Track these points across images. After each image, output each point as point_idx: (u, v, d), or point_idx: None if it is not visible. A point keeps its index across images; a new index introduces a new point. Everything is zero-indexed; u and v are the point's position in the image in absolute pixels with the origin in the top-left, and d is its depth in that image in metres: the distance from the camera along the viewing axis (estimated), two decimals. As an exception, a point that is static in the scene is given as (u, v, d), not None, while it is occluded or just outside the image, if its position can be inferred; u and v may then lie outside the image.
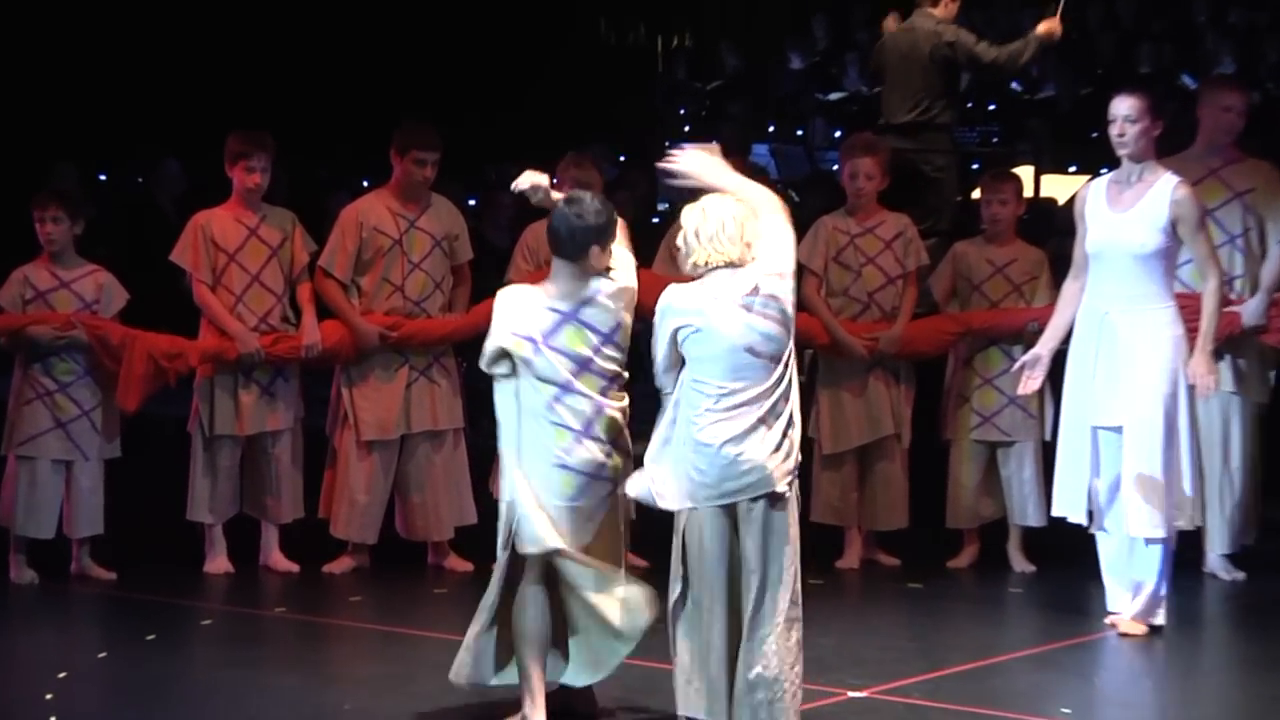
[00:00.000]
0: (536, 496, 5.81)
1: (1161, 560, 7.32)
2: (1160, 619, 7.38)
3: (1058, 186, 12.45)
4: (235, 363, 8.61)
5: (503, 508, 5.97)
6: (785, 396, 5.57)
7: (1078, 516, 7.48)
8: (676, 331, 5.61)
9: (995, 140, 14.46)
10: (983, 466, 8.90)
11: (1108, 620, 7.48)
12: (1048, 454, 8.42)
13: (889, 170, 8.96)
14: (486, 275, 8.98)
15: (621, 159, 14.63)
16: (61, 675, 6.73)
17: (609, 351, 5.86)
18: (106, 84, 13.39)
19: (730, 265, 5.59)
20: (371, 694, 6.59)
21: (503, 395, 5.93)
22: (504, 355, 5.89)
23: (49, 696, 6.44)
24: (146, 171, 12.37)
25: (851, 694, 6.46)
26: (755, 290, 5.55)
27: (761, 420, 5.54)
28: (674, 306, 5.63)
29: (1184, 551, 7.56)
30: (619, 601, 5.84)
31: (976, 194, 9.57)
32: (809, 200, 11.59)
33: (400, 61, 14.56)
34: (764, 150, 14.57)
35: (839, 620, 7.75)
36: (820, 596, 8.22)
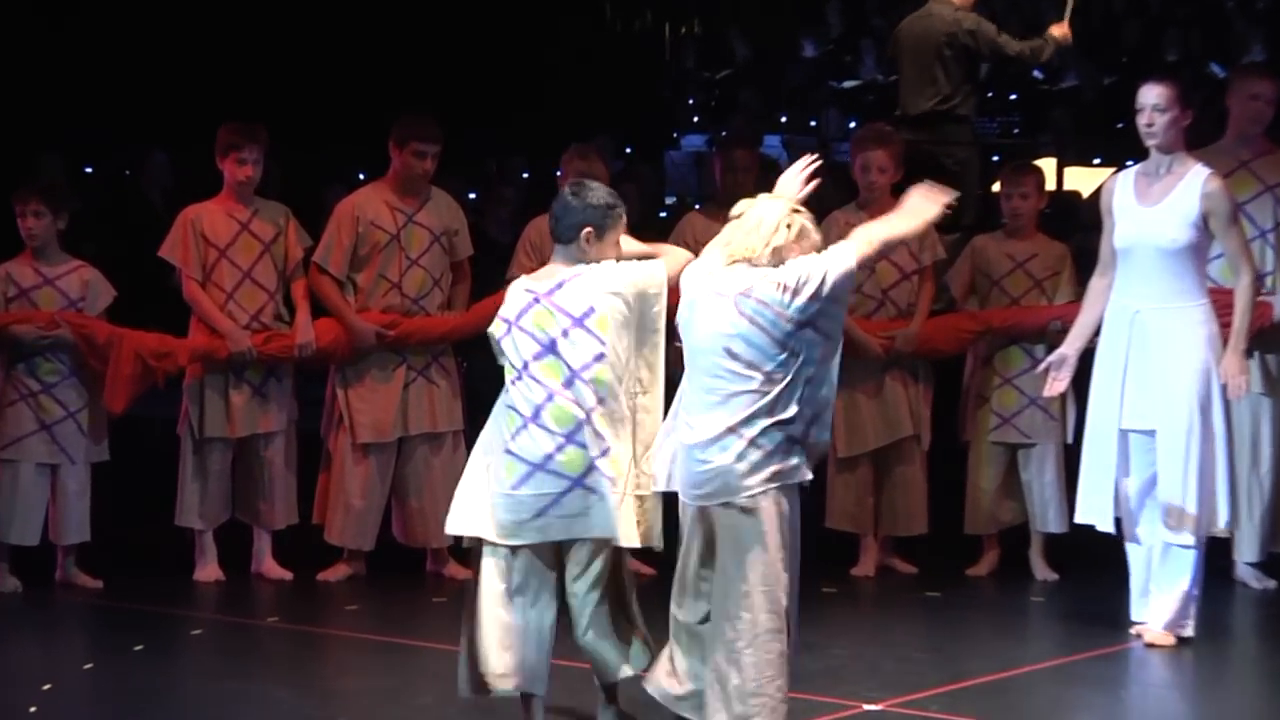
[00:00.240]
0: (489, 483, 5.80)
1: (1194, 568, 7.30)
2: (1189, 630, 7.36)
3: (1081, 179, 12.46)
4: (226, 362, 8.61)
5: None
6: (769, 413, 5.47)
7: (1105, 524, 7.45)
8: (680, 311, 5.64)
9: (1016, 131, 14.47)
10: (1002, 470, 8.88)
11: (1134, 631, 7.46)
12: (1069, 457, 8.42)
13: (903, 163, 8.94)
14: (487, 272, 8.98)
15: (628, 151, 14.65)
16: (46, 687, 6.72)
17: (579, 336, 5.76)
18: (93, 73, 13.39)
19: (748, 262, 5.58)
20: (368, 707, 6.58)
21: None
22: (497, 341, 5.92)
23: (33, 709, 6.43)
24: (134, 164, 12.39)
25: (867, 706, 6.44)
26: (748, 291, 5.52)
27: (731, 429, 5.49)
28: (683, 284, 5.68)
29: (1212, 559, 7.54)
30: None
31: (996, 187, 9.56)
32: (822, 193, 11.56)
33: (399, 50, 14.56)
34: (776, 142, 14.57)
35: (854, 630, 7.74)
36: (834, 605, 8.23)
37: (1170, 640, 7.34)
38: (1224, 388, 7.27)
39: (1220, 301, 7.41)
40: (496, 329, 5.90)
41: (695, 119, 16.54)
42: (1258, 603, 8.33)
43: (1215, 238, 7.35)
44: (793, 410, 5.50)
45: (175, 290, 8.78)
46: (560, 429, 5.73)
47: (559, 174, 8.89)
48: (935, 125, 10.31)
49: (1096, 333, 7.49)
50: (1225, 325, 7.33)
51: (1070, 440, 8.61)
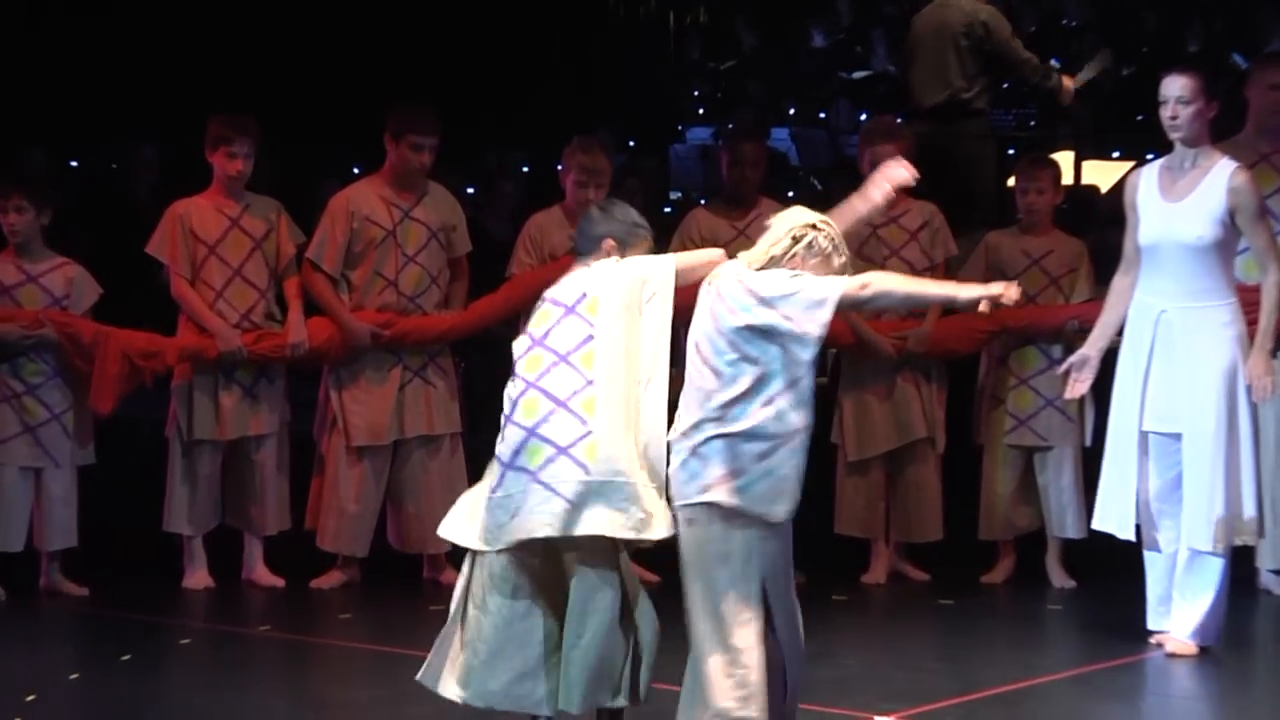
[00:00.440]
0: (483, 488, 5.81)
1: (1220, 577, 7.30)
2: (1213, 639, 7.35)
3: (1100, 173, 12.44)
4: (216, 362, 8.61)
5: None
6: (718, 420, 5.46)
7: (1125, 532, 7.44)
8: None
9: (1032, 124, 14.42)
10: (1018, 474, 8.88)
11: (1155, 640, 7.45)
12: (1088, 460, 8.41)
13: (914, 157, 8.93)
14: (486, 269, 8.97)
15: (630, 144, 14.64)
16: (30, 698, 6.72)
17: (571, 324, 5.74)
18: (79, 64, 13.39)
19: (748, 266, 5.61)
20: (362, 718, 6.57)
21: None
22: None
23: (16, 721, 6.45)
24: (121, 157, 12.36)
25: (878, 718, 6.43)
26: (720, 288, 5.55)
27: (683, 433, 5.56)
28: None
29: (1235, 567, 7.54)
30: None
31: (1011, 182, 9.56)
32: (832, 189, 11.56)
33: (395, 39, 14.55)
34: (784, 134, 14.58)
35: (865, 639, 7.74)
36: (845, 613, 8.23)
37: (1193, 649, 7.33)
38: (1250, 389, 7.26)
39: (1248, 299, 7.40)
40: (519, 345, 5.84)
41: (701, 111, 16.53)
42: (1283, 611, 8.34)
43: (1242, 233, 7.34)
44: (743, 425, 5.46)
45: (163, 288, 8.78)
46: (528, 422, 5.68)
47: (560, 168, 8.89)
48: (949, 118, 10.32)
49: (1119, 333, 7.48)
50: (1253, 324, 7.32)
51: (1089, 443, 8.60)
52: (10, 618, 8.32)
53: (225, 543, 8.85)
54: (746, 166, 8.98)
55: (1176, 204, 7.33)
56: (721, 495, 5.50)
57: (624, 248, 5.85)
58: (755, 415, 5.47)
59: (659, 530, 5.63)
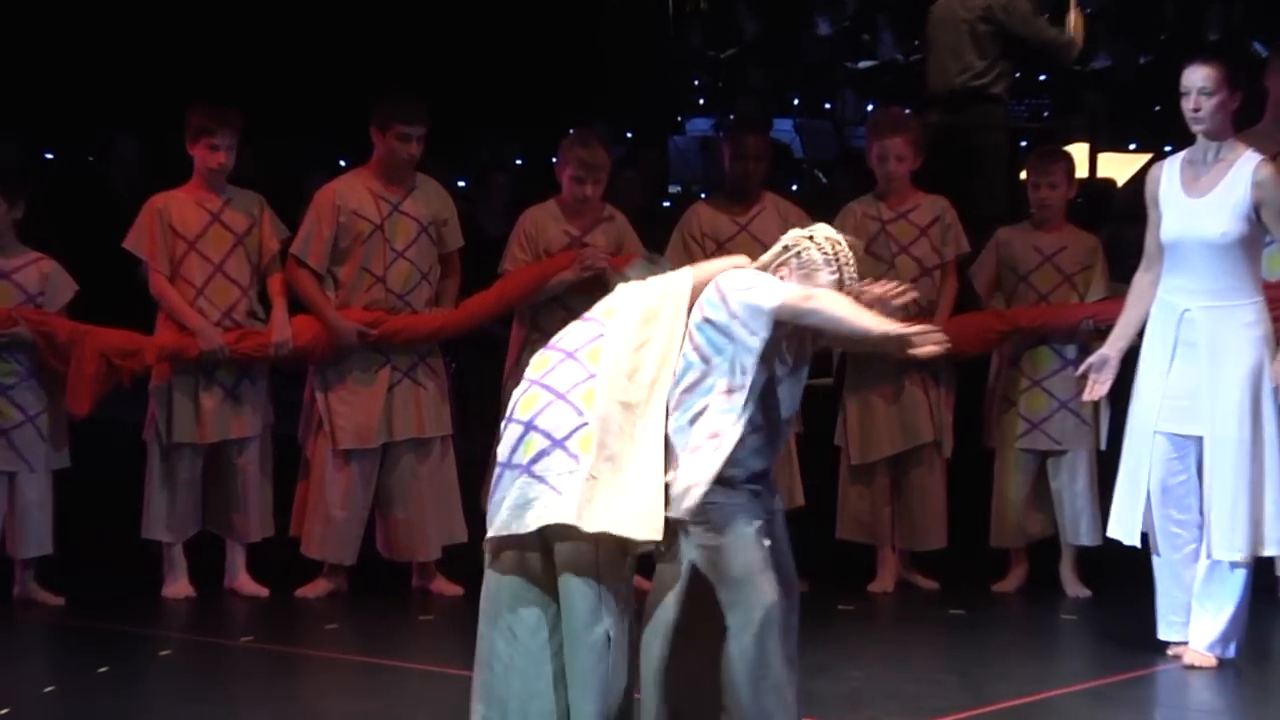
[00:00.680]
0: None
1: (1242, 587, 7.30)
2: (1233, 651, 7.36)
3: (1116, 166, 12.46)
4: (196, 362, 8.61)
5: None
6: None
7: (1131, 539, 7.44)
8: None
9: (1046, 115, 14.47)
10: (1031, 479, 8.89)
11: (1172, 651, 7.45)
12: (1103, 464, 8.41)
13: (924, 148, 8.95)
14: (478, 265, 8.97)
15: (629, 135, 14.63)
16: (3, 712, 6.72)
17: (584, 326, 5.73)
18: (53, 51, 13.38)
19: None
20: (349, 733, 6.60)
21: None
22: None
23: (-11, 736, 6.46)
24: (98, 149, 12.36)
25: (886, 733, 6.47)
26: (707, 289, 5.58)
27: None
28: None
29: (1256, 576, 7.54)
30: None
31: (1024, 175, 9.56)
32: (839, 182, 11.58)
33: (382, 27, 14.55)
34: (788, 126, 14.59)
35: (871, 650, 7.75)
36: (851, 623, 8.23)
37: (1211, 661, 7.33)
38: (1276, 391, 7.26)
39: (1273, 296, 7.40)
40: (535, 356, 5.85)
41: (701, 101, 16.54)
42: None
43: (1268, 229, 7.33)
44: (674, 423, 5.39)
45: (141, 284, 8.78)
46: (525, 416, 5.65)
47: (557, 161, 8.89)
48: (964, 105, 10.33)
49: (1140, 332, 7.48)
50: (1278, 322, 7.32)
51: (1104, 446, 8.60)
52: (-18, 628, 8.34)
53: (206, 550, 8.85)
54: (749, 160, 8.96)
55: (1199, 199, 7.32)
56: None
57: None
58: (692, 420, 5.37)
59: (640, 531, 5.41)
